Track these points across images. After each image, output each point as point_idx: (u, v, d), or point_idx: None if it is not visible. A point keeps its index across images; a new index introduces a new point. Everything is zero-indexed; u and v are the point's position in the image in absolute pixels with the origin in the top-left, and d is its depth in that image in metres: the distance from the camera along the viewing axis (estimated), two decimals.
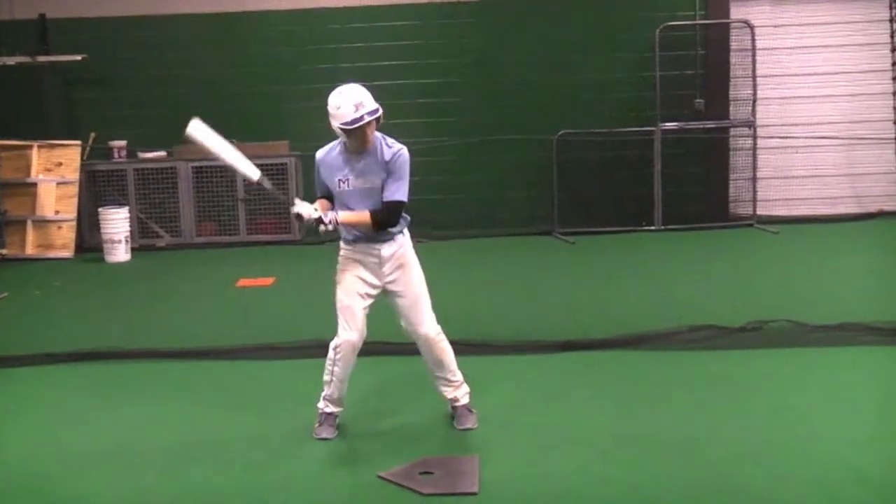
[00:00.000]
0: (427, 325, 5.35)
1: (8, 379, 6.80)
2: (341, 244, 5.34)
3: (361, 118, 5.01)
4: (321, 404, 5.42)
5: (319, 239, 11.79)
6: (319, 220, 5.06)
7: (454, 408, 5.48)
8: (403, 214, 5.28)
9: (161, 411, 5.99)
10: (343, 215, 5.11)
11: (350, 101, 5.03)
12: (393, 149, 5.19)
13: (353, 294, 5.25)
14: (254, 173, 5.27)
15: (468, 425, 5.40)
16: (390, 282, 5.28)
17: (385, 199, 5.14)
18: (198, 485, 4.84)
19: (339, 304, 5.28)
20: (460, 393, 5.48)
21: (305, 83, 12.15)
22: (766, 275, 9.36)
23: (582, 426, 5.45)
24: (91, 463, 5.19)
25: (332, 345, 5.32)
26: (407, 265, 5.32)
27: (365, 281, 5.26)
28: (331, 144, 5.29)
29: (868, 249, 10.50)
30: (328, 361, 5.34)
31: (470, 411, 5.47)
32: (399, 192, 5.15)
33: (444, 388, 5.47)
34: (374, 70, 12.12)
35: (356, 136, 5.07)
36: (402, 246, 5.31)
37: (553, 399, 5.94)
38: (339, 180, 5.19)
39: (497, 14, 12.46)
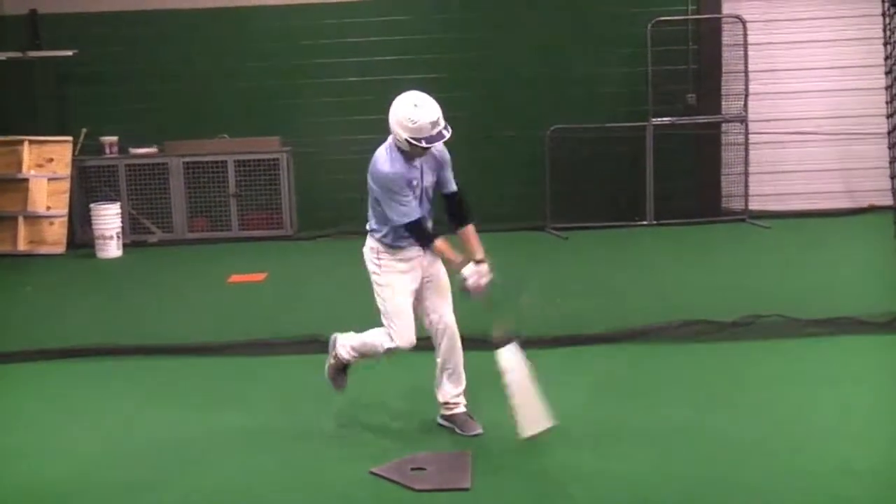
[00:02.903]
0: (448, 316, 5.35)
1: (0, 375, 6.78)
2: (379, 247, 5.24)
3: (440, 135, 5.04)
4: (343, 352, 5.42)
5: (311, 234, 11.87)
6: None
7: (453, 416, 5.39)
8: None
9: (153, 407, 5.98)
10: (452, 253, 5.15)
11: (427, 117, 4.99)
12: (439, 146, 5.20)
13: (407, 296, 5.23)
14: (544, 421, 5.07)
15: (477, 431, 5.32)
16: (427, 272, 5.29)
17: (457, 189, 5.35)
18: (190, 480, 4.83)
19: (391, 308, 5.20)
20: (460, 401, 5.40)
21: (298, 79, 12.14)
22: (759, 269, 9.37)
23: (574, 420, 5.44)
24: (83, 459, 5.19)
25: (382, 343, 5.25)
26: (438, 260, 5.33)
27: (413, 280, 5.26)
28: (386, 155, 5.13)
29: (859, 244, 10.51)
30: (368, 347, 5.32)
31: (471, 417, 5.41)
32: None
33: (448, 390, 5.38)
34: (366, 65, 12.13)
35: (416, 149, 5.06)
36: None
37: (544, 394, 5.93)
38: (413, 183, 5.15)
39: (489, 9, 12.44)
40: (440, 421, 5.44)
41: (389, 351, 5.26)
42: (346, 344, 5.42)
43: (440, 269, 5.32)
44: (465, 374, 5.43)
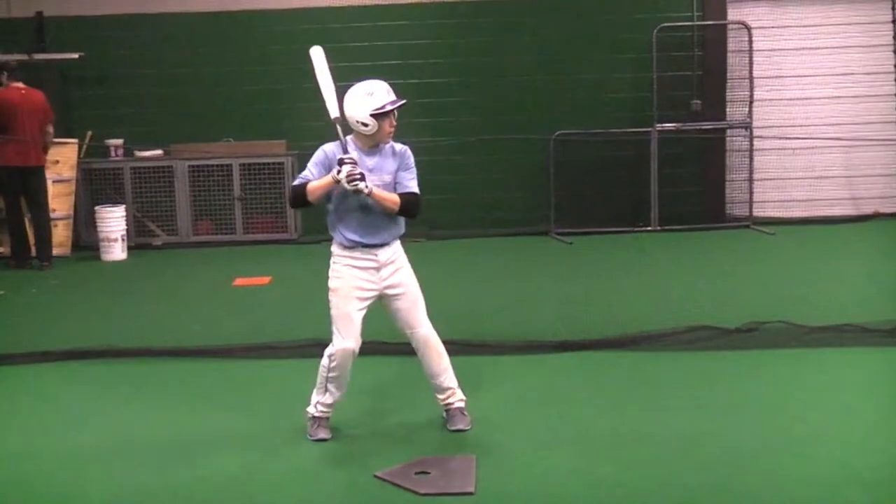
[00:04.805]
0: (425, 327, 5.35)
1: (4, 377, 6.80)
2: (335, 250, 5.28)
3: (395, 101, 5.13)
4: (312, 409, 5.36)
5: (316, 238, 11.86)
6: (358, 184, 4.97)
7: (447, 410, 5.46)
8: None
9: (156, 410, 5.98)
10: (378, 191, 5.10)
11: (381, 87, 5.14)
12: (401, 146, 5.30)
13: (349, 301, 5.20)
14: (333, 111, 5.24)
15: (460, 426, 5.37)
16: (388, 286, 5.26)
17: (407, 191, 5.22)
18: (193, 484, 4.83)
19: (334, 312, 5.24)
20: (454, 399, 5.45)
21: (303, 82, 12.09)
22: (763, 276, 9.37)
23: (578, 426, 5.45)
24: (86, 461, 5.19)
25: (326, 352, 5.27)
26: (403, 268, 5.32)
27: (362, 287, 5.22)
28: (338, 141, 5.21)
29: (864, 251, 10.51)
30: (322, 369, 5.29)
31: (463, 414, 5.45)
32: (416, 184, 5.29)
33: (438, 395, 5.46)
34: (371, 69, 11.94)
35: (383, 125, 5.12)
36: (397, 251, 5.32)
37: (549, 399, 5.95)
38: None
39: (495, 14, 12.46)
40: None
41: (333, 357, 5.22)
42: (312, 402, 5.39)
43: (405, 281, 5.30)
44: (455, 379, 5.44)
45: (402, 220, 5.32)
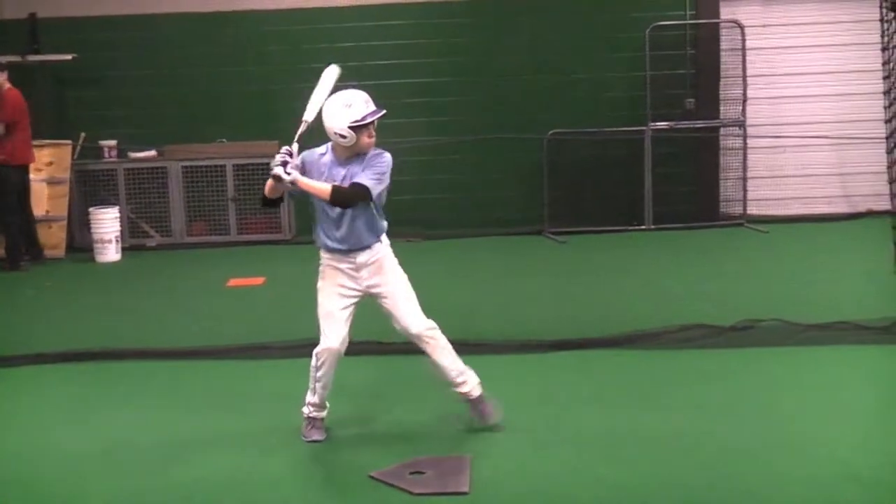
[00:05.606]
0: (416, 324, 5.31)
1: (1, 378, 6.78)
2: (321, 252, 5.33)
3: (375, 111, 5.08)
4: (306, 410, 5.38)
5: (309, 238, 11.82)
6: (275, 170, 4.97)
7: (466, 401, 5.39)
8: (382, 217, 5.30)
9: (151, 411, 5.98)
10: (304, 179, 5.05)
11: (360, 98, 5.10)
12: (376, 150, 5.22)
13: (333, 300, 5.24)
14: (310, 115, 5.22)
15: (491, 420, 5.35)
16: (371, 286, 5.28)
17: (353, 181, 5.10)
18: (188, 484, 4.83)
19: (319, 311, 5.28)
20: (467, 388, 5.37)
21: (297, 83, 12.06)
22: (757, 274, 9.38)
23: (574, 425, 5.46)
24: (82, 462, 5.19)
25: (314, 352, 5.29)
26: (385, 268, 5.30)
27: (344, 286, 5.26)
28: (318, 148, 5.26)
29: (857, 248, 10.52)
30: (311, 369, 5.31)
31: (483, 401, 5.37)
32: (368, 180, 5.10)
33: (453, 389, 5.40)
34: (366, 69, 12.08)
35: (362, 136, 5.08)
36: (377, 252, 5.29)
37: (545, 398, 5.95)
38: (331, 180, 5.16)
39: (489, 14, 12.45)
40: None
41: (319, 356, 5.24)
42: (305, 403, 5.40)
43: (387, 281, 5.28)
44: (464, 370, 5.39)
45: (379, 223, 5.29)
